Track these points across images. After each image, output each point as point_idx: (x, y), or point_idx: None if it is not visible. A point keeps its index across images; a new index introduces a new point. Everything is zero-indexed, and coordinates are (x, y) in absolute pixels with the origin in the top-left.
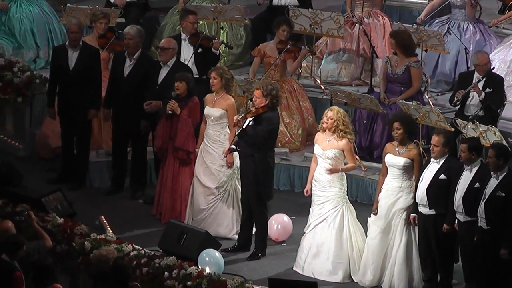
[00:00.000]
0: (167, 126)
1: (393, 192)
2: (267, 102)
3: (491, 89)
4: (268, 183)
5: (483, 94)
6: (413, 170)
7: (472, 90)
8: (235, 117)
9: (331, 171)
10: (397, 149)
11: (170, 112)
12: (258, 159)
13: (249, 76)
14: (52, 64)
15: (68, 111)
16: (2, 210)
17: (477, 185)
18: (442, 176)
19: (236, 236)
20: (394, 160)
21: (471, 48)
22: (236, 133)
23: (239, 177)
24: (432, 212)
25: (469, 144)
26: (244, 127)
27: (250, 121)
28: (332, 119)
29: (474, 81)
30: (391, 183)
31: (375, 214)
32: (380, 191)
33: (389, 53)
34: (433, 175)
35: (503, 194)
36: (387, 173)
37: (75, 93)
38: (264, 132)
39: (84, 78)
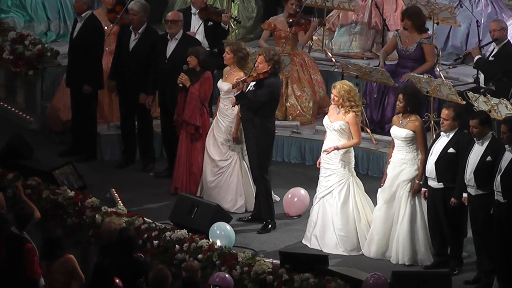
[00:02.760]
0: (182, 99)
1: (397, 164)
2: (269, 67)
3: (493, 59)
4: (269, 148)
5: (476, 58)
6: (415, 142)
7: (472, 50)
8: (235, 79)
9: (329, 151)
10: (401, 121)
11: (181, 85)
12: (258, 124)
13: (259, 50)
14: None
15: (72, 83)
16: (13, 183)
17: (489, 158)
18: (451, 150)
19: (239, 211)
20: (398, 132)
21: (482, 21)
22: (234, 95)
23: (246, 152)
24: (441, 185)
25: (481, 118)
26: (244, 91)
27: (251, 86)
28: (336, 97)
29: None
30: (396, 155)
31: (383, 185)
32: (389, 163)
33: (401, 26)
34: (442, 148)
35: None
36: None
37: (75, 65)
38: (263, 97)
39: (83, 51)
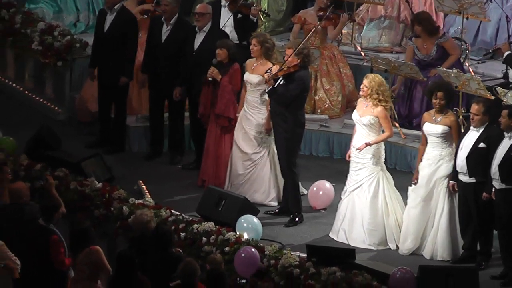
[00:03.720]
0: (209, 92)
1: (433, 161)
2: (299, 61)
3: None
4: (298, 142)
5: (506, 54)
6: (452, 138)
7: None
8: (266, 75)
9: (361, 148)
10: (434, 117)
11: (210, 79)
12: (289, 117)
13: (288, 43)
14: (95, 25)
15: (102, 75)
16: (41, 174)
17: None
18: (482, 145)
19: (272, 203)
20: (432, 128)
21: None
22: (266, 91)
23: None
24: (472, 180)
25: (510, 110)
26: (275, 85)
27: (281, 80)
28: (366, 87)
29: None
30: (431, 152)
31: (415, 184)
32: (421, 161)
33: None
34: (472, 143)
35: None
36: (426, 142)
37: (108, 57)
38: (294, 91)
39: (116, 43)
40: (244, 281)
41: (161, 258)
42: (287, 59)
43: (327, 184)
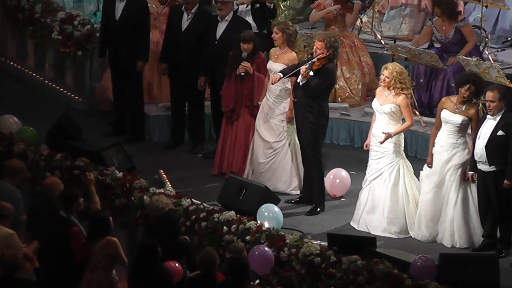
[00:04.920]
0: (238, 86)
1: (448, 148)
2: (328, 53)
3: None
4: (324, 132)
5: None
6: (467, 127)
7: None
8: (302, 69)
9: (383, 141)
10: (455, 106)
11: (243, 73)
12: (317, 108)
13: (310, 31)
14: (102, 14)
15: (116, 63)
16: (61, 164)
17: None
18: (500, 132)
19: (294, 192)
20: (453, 117)
21: None
22: (301, 84)
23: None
24: (492, 168)
25: None
26: (302, 79)
27: (311, 72)
28: (388, 78)
29: None
30: (447, 139)
31: (430, 167)
32: (434, 145)
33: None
34: (490, 131)
35: None
36: (440, 125)
37: (122, 44)
38: (325, 84)
39: (130, 30)
40: (257, 281)
41: (167, 244)
42: (320, 53)
43: (343, 172)
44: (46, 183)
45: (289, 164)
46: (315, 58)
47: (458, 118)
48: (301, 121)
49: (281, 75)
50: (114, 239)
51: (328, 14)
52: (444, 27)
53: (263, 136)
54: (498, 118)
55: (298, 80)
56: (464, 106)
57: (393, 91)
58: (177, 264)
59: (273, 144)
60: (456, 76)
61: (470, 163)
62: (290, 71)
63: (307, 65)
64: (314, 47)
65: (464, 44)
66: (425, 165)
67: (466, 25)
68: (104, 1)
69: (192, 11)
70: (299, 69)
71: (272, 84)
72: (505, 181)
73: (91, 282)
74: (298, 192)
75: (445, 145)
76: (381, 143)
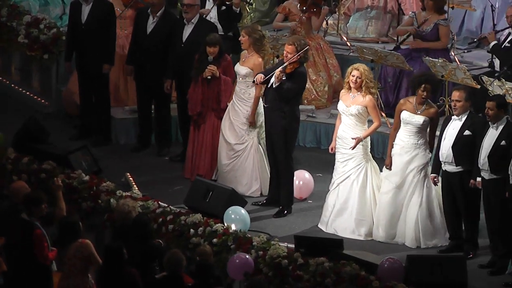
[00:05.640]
0: (204, 89)
1: (409, 150)
2: (299, 57)
3: (510, 45)
4: (295, 135)
5: (492, 43)
6: (427, 128)
7: (488, 35)
8: (276, 72)
9: (354, 146)
10: (415, 107)
11: (209, 77)
12: (289, 112)
13: (275, 33)
14: (68, 18)
15: (83, 66)
16: (28, 167)
17: (503, 143)
18: (467, 132)
19: (253, 195)
20: (413, 118)
21: (497, 5)
22: (274, 86)
23: (262, 136)
24: (459, 169)
25: (498, 101)
26: (275, 82)
27: (284, 76)
28: (360, 78)
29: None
30: (407, 140)
31: (389, 169)
32: (392, 146)
33: (417, 10)
34: (457, 132)
35: None
36: (399, 127)
37: (88, 48)
38: (297, 87)
39: (96, 33)
40: None
41: (139, 248)
42: (291, 57)
43: (306, 174)
44: (12, 187)
45: (250, 167)
46: (287, 62)
47: (420, 119)
48: (273, 126)
49: (263, 76)
50: (87, 241)
51: (293, 16)
52: (425, 20)
53: (226, 138)
54: (464, 119)
55: (269, 85)
56: (423, 106)
57: (360, 92)
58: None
59: (234, 146)
60: (409, 81)
61: (432, 165)
62: (268, 74)
63: (281, 69)
64: (285, 51)
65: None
66: (384, 167)
67: (446, 26)
68: (70, 4)
69: (158, 14)
70: (273, 74)
71: (257, 84)
72: (471, 181)
73: (68, 287)
74: (258, 195)
75: (406, 146)
76: (353, 148)
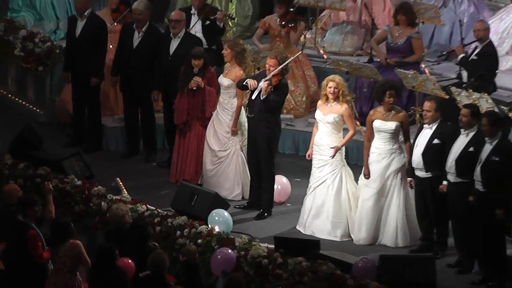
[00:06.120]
0: (190, 99)
1: (385, 155)
2: (282, 69)
3: (476, 58)
4: (277, 143)
5: (460, 56)
6: (400, 133)
7: (456, 48)
8: (264, 85)
9: (334, 154)
10: (384, 114)
11: (195, 88)
12: (273, 122)
13: (256, 47)
14: (66, 31)
15: (75, 78)
16: (24, 172)
17: (471, 149)
18: (436, 141)
19: (235, 199)
20: (385, 125)
21: (464, 20)
22: (262, 98)
23: (244, 143)
24: (429, 175)
25: (472, 109)
26: (263, 94)
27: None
28: (337, 88)
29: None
30: (383, 147)
31: (367, 178)
32: (369, 156)
33: (391, 23)
34: (427, 140)
35: (497, 159)
36: (372, 137)
37: (79, 60)
38: (282, 98)
39: (88, 47)
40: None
41: (138, 251)
42: (274, 70)
43: (284, 179)
44: (4, 189)
45: (232, 173)
46: (271, 75)
47: (392, 125)
48: (257, 135)
49: (256, 81)
50: (78, 241)
51: (273, 30)
52: (398, 34)
53: (210, 145)
54: (434, 127)
55: (254, 97)
56: (392, 113)
57: (338, 101)
58: (129, 261)
59: (217, 152)
60: (372, 93)
61: (408, 170)
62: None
63: (268, 82)
64: (267, 64)
65: (408, 55)
66: (362, 175)
67: (418, 39)
68: (68, 18)
69: (143, 29)
70: (257, 86)
71: (250, 89)
72: (440, 186)
73: (57, 284)
74: (240, 199)
75: (382, 153)
76: (332, 157)
